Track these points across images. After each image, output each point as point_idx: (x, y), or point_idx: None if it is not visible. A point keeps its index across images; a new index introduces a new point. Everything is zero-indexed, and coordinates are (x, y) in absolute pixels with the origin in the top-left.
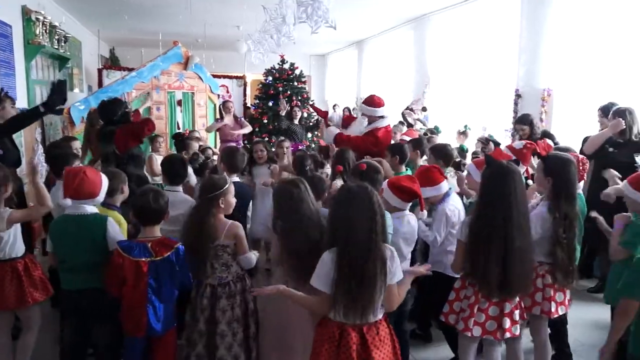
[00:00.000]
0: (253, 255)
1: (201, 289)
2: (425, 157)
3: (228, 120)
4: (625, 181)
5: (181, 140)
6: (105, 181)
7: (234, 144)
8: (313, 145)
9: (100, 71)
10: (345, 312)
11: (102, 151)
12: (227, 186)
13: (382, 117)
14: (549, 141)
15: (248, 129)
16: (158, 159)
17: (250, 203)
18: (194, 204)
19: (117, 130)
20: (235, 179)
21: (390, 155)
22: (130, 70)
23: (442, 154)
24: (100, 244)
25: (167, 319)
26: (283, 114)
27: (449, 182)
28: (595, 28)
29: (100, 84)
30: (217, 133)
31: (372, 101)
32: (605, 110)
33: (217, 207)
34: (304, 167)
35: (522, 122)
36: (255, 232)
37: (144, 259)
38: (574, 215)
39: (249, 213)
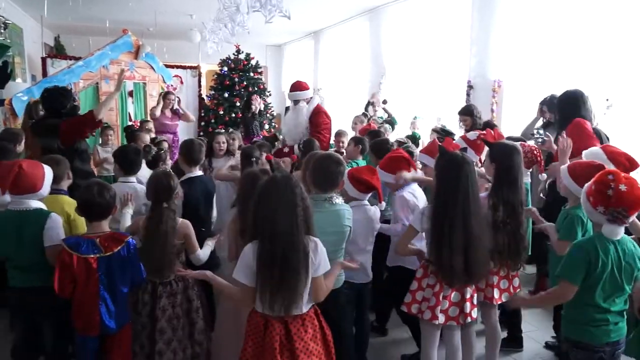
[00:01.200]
0: (202, 254)
1: (143, 284)
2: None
3: (167, 112)
4: (564, 167)
5: (131, 132)
6: (49, 173)
7: (170, 136)
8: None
9: (44, 60)
10: (270, 305)
11: (41, 145)
12: (178, 187)
13: (312, 97)
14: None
15: (187, 121)
16: (101, 151)
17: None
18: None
19: (62, 123)
20: (197, 172)
21: (353, 144)
22: (77, 59)
23: (383, 152)
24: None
25: (121, 315)
26: (255, 109)
27: None
28: (544, 20)
29: (44, 74)
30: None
31: (301, 85)
32: (549, 104)
33: (174, 207)
34: (249, 160)
35: (464, 113)
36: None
37: (92, 256)
38: (516, 201)
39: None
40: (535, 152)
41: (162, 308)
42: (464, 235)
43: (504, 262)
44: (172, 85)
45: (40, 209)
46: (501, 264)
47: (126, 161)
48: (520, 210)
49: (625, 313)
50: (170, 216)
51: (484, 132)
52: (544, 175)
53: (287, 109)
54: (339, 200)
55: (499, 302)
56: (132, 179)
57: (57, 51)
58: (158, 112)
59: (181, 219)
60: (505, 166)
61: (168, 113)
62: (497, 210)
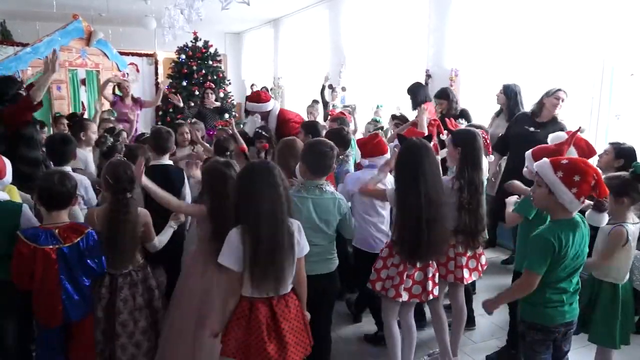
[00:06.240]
0: (157, 242)
1: (99, 278)
2: None
3: (127, 100)
4: (528, 153)
5: (75, 122)
6: (8, 163)
7: (127, 125)
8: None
9: None
10: (260, 286)
11: None
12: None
13: (270, 110)
14: (461, 123)
15: (154, 104)
16: None
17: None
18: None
19: (4, 110)
20: (166, 161)
21: (304, 133)
22: (25, 45)
23: (338, 138)
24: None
25: (84, 305)
26: (210, 105)
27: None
28: (499, 11)
29: None
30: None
31: (259, 97)
32: (504, 91)
33: (133, 198)
34: (224, 152)
35: (440, 96)
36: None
37: (51, 247)
38: (479, 181)
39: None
40: (485, 136)
41: (124, 299)
42: (427, 215)
43: (467, 240)
44: (124, 72)
45: (9, 201)
46: (466, 244)
47: (54, 151)
48: (481, 190)
49: (578, 293)
50: (135, 205)
51: (435, 119)
52: (492, 157)
53: (247, 97)
54: (329, 188)
55: (469, 282)
56: (67, 169)
57: (3, 37)
58: (109, 94)
59: (139, 208)
60: (469, 150)
61: (127, 101)
62: (462, 192)
